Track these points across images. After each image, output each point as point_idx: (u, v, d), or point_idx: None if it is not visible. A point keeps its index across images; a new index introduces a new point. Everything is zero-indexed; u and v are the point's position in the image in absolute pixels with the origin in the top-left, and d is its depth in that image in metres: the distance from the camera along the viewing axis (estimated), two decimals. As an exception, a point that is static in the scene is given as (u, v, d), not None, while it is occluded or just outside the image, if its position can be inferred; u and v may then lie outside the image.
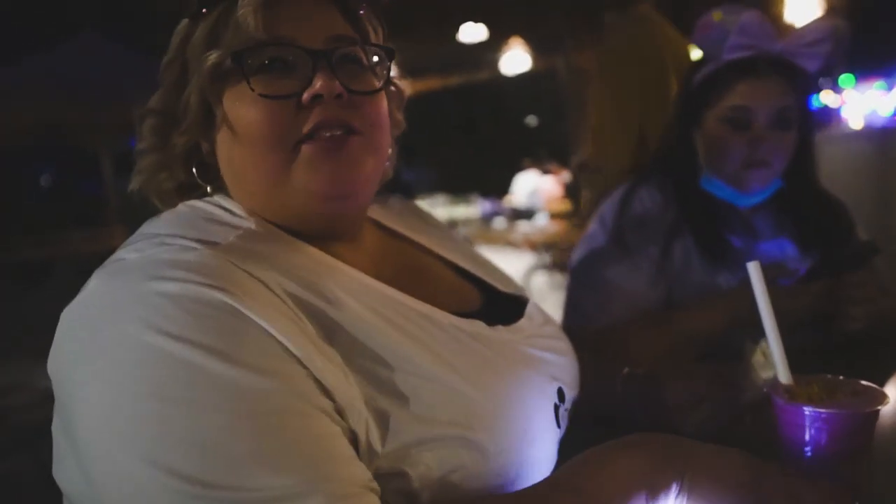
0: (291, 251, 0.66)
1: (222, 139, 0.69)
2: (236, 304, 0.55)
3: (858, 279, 1.18)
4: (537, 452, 0.70)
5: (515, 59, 6.52)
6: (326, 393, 0.57)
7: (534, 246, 6.01)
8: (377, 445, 0.58)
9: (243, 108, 0.66)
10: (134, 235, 0.66)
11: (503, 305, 0.82)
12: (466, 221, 7.80)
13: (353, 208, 0.72)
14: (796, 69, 1.23)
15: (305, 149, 0.65)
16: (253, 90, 0.64)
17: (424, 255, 0.85)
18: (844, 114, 10.27)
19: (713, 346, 1.16)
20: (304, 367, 0.56)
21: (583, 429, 0.80)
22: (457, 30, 5.92)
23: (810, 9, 5.46)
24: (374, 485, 0.56)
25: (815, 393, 0.62)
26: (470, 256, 0.90)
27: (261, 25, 0.64)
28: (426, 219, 0.94)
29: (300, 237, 0.69)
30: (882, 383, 1.06)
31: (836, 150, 4.46)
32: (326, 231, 0.71)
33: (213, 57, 0.65)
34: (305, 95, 0.65)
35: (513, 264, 5.19)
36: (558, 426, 0.74)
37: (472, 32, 5.81)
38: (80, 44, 6.90)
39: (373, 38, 0.74)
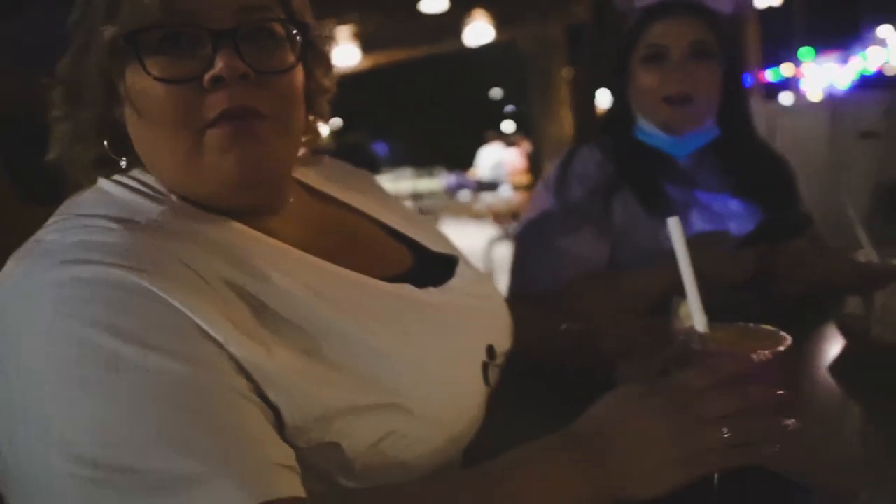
0: (215, 228, 0.65)
1: (129, 116, 0.66)
2: (153, 287, 0.55)
3: (796, 245, 1.22)
4: (465, 412, 0.72)
5: (479, 31, 6.48)
6: (244, 373, 0.56)
7: (498, 217, 6.05)
8: (306, 417, 0.58)
9: (143, 90, 0.62)
10: (55, 214, 0.64)
11: (435, 264, 0.83)
12: (430, 194, 7.82)
13: (267, 194, 0.70)
14: (709, 10, 1.29)
15: (211, 134, 0.62)
16: (149, 73, 0.61)
17: (355, 217, 0.85)
18: (803, 86, 10.46)
19: (657, 304, 1.20)
20: (222, 348, 0.56)
21: (517, 382, 0.83)
22: (418, 1, 5.86)
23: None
24: (292, 463, 0.56)
25: (726, 339, 0.66)
26: (402, 216, 0.90)
27: (163, 2, 0.60)
28: (358, 179, 0.93)
29: (223, 213, 0.67)
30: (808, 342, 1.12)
31: (791, 119, 4.59)
32: (248, 207, 0.69)
33: (108, 32, 0.61)
34: (206, 78, 0.61)
35: (476, 236, 5.23)
36: (487, 383, 0.76)
37: (434, 4, 5.75)
38: (37, 12, 6.66)
39: (296, 4, 0.70)
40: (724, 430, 0.57)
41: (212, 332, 0.56)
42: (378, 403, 0.62)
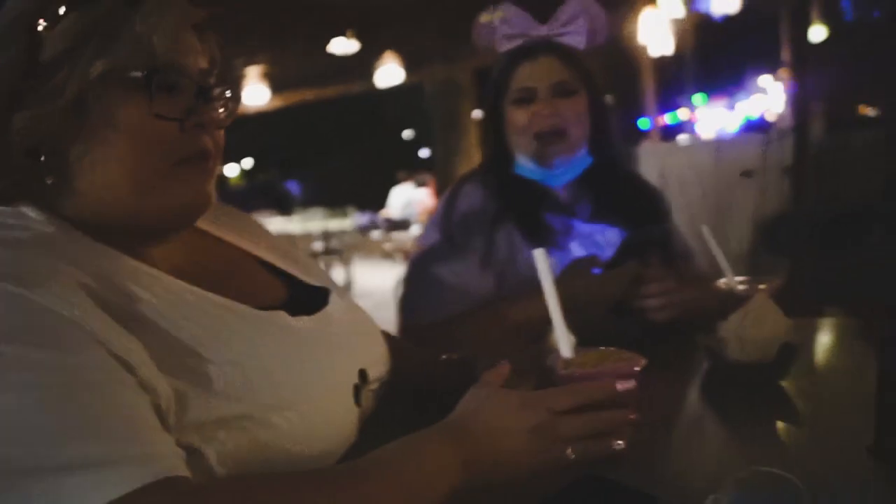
0: (91, 251, 0.68)
1: (95, 139, 0.68)
2: (29, 294, 0.57)
3: (656, 271, 1.30)
4: (336, 430, 0.75)
5: (389, 73, 6.60)
6: (129, 369, 0.59)
7: (408, 256, 6.08)
8: (173, 422, 0.61)
9: (134, 118, 0.68)
10: None
11: (310, 297, 0.88)
12: (341, 233, 7.79)
13: (191, 224, 0.80)
14: (566, 48, 1.40)
15: (180, 170, 0.72)
16: (152, 108, 0.68)
17: (231, 252, 0.89)
18: (698, 129, 11.15)
19: (541, 332, 1.24)
20: (106, 346, 0.58)
21: (395, 409, 0.87)
22: (328, 42, 5.92)
23: (663, 39, 5.92)
24: (181, 451, 0.59)
25: (587, 363, 0.72)
26: (280, 252, 0.95)
27: (164, 49, 0.69)
28: (235, 218, 0.97)
29: (108, 242, 0.71)
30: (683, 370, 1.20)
31: (681, 158, 4.91)
32: (146, 236, 0.75)
33: (106, 63, 0.67)
34: (192, 122, 0.71)
35: (387, 274, 5.24)
36: (358, 404, 0.79)
37: (344, 45, 5.83)
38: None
39: (221, 69, 0.79)
40: (575, 422, 0.66)
41: (94, 332, 0.59)
42: (245, 415, 0.65)
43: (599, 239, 1.41)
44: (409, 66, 6.79)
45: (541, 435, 0.65)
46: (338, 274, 7.58)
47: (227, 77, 0.80)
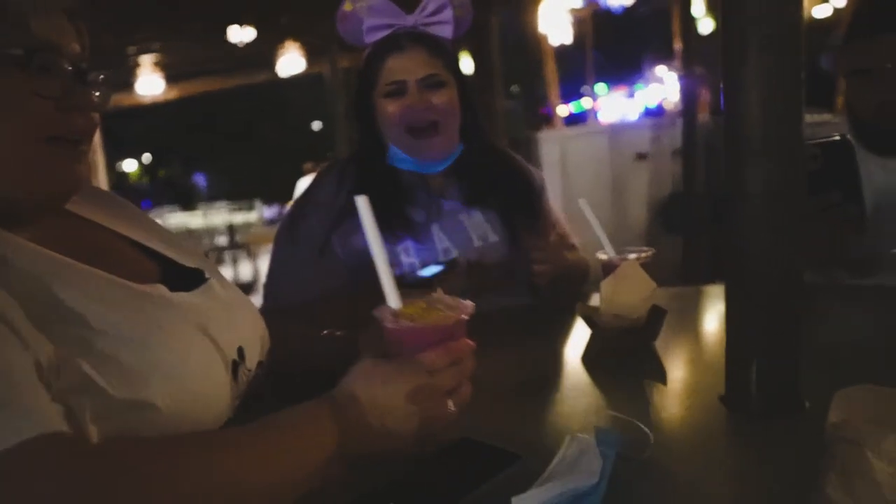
0: None
1: None
2: None
3: (537, 241, 1.36)
4: (212, 406, 0.76)
5: (290, 62, 6.47)
6: (10, 327, 0.60)
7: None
8: (53, 382, 0.61)
9: (9, 97, 0.69)
10: None
11: (186, 278, 0.88)
12: (245, 226, 7.60)
13: (64, 204, 0.80)
14: (434, 38, 1.40)
15: (53, 150, 0.72)
16: (29, 86, 0.70)
17: (103, 234, 0.89)
18: (600, 117, 11.55)
19: None
20: None
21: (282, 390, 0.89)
22: (225, 31, 5.74)
23: (563, 29, 6.09)
24: (61, 409, 0.59)
25: (415, 314, 0.72)
26: (156, 236, 0.94)
27: (44, 30, 0.71)
28: (108, 201, 0.96)
29: None
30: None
31: (578, 143, 5.09)
32: (18, 215, 0.74)
33: None
34: (67, 103, 0.72)
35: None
36: (235, 381, 0.80)
37: (240, 33, 5.66)
38: None
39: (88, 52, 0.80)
40: (449, 375, 0.69)
41: None
42: (124, 383, 0.66)
43: (467, 221, 1.44)
44: (311, 55, 6.67)
45: (422, 395, 0.67)
46: (245, 268, 7.41)
47: (97, 63, 0.80)
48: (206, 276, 0.89)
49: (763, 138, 0.75)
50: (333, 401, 0.68)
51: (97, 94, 0.78)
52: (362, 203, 0.75)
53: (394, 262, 1.35)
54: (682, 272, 4.35)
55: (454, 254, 1.40)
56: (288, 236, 1.40)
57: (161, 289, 0.79)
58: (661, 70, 12.31)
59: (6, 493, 0.52)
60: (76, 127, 0.74)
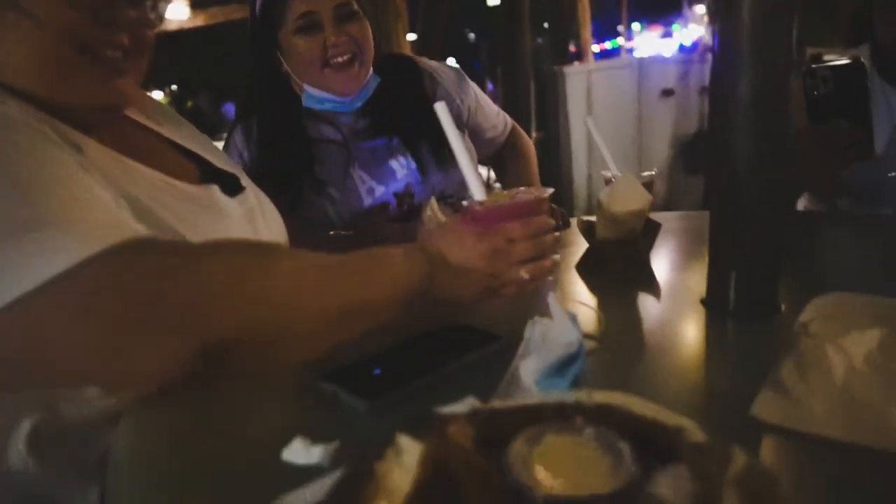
0: (43, 121, 0.71)
1: (5, 22, 0.70)
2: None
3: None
4: None
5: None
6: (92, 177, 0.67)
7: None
8: None
9: (44, 3, 0.70)
10: None
11: (222, 181, 0.92)
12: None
13: (108, 118, 0.82)
14: None
15: (91, 62, 0.73)
16: None
17: (150, 136, 0.93)
18: (636, 55, 11.29)
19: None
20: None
21: None
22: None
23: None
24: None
25: (500, 199, 0.81)
26: (194, 139, 0.99)
27: None
28: (152, 106, 1.00)
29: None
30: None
31: (604, 77, 4.99)
32: (80, 119, 0.77)
33: None
34: (107, 16, 0.73)
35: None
36: None
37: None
38: None
39: None
40: (526, 246, 0.77)
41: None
42: None
43: (385, 155, 1.42)
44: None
45: (499, 258, 0.75)
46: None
47: None
48: (242, 182, 0.94)
49: (752, 40, 0.77)
50: (419, 246, 0.76)
51: (150, 10, 0.78)
52: (441, 108, 0.80)
53: (320, 210, 1.35)
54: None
55: (381, 190, 1.38)
56: None
57: (216, 191, 0.85)
58: (701, 9, 11.90)
59: (104, 288, 0.57)
60: (114, 41, 0.75)
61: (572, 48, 6.94)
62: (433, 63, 1.55)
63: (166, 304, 0.58)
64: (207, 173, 0.92)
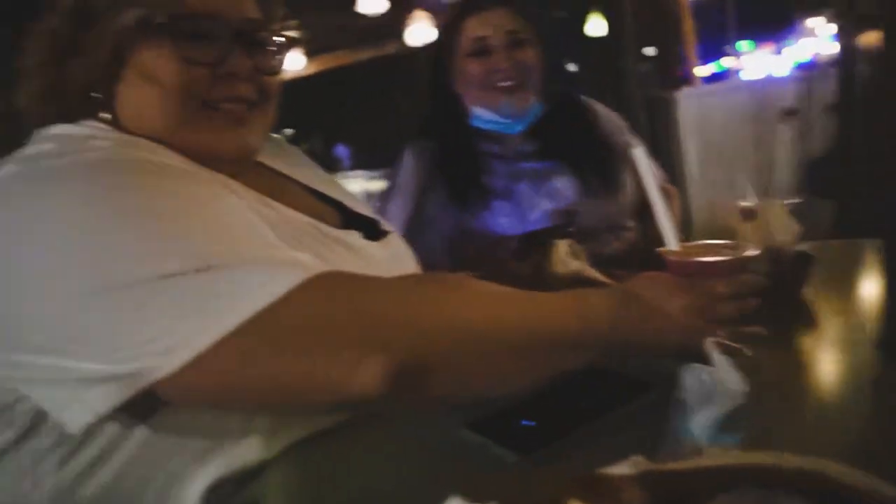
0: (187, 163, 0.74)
1: (130, 83, 0.74)
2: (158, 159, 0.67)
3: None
4: None
5: (419, 31, 6.55)
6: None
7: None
8: None
9: (161, 65, 0.72)
10: (24, 151, 0.69)
11: (363, 227, 0.92)
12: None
13: (243, 166, 0.82)
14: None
15: (216, 116, 0.75)
16: (179, 53, 0.72)
17: (289, 182, 0.94)
18: (744, 76, 10.83)
19: None
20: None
21: None
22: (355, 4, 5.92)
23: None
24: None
25: (696, 252, 0.78)
26: (330, 184, 0.99)
27: None
28: (287, 151, 1.02)
29: None
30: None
31: (718, 100, 4.78)
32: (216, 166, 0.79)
33: (136, 13, 0.71)
34: (224, 69, 0.74)
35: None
36: None
37: (373, 4, 5.81)
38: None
39: (277, 20, 0.83)
40: (730, 307, 0.72)
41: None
42: None
43: (549, 179, 1.44)
44: (439, 24, 6.72)
45: (697, 313, 0.70)
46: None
47: (284, 27, 0.82)
48: (384, 227, 0.94)
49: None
50: (619, 291, 0.73)
51: (271, 57, 0.79)
52: (640, 153, 0.80)
53: (487, 225, 1.39)
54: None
55: (545, 206, 1.40)
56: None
57: (357, 236, 0.83)
58: (814, 22, 11.30)
59: (304, 317, 0.58)
60: (235, 93, 0.76)
61: (678, 72, 6.75)
62: (593, 101, 1.62)
63: (365, 328, 0.59)
64: (348, 218, 0.92)
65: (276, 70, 0.80)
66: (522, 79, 1.41)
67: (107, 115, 0.75)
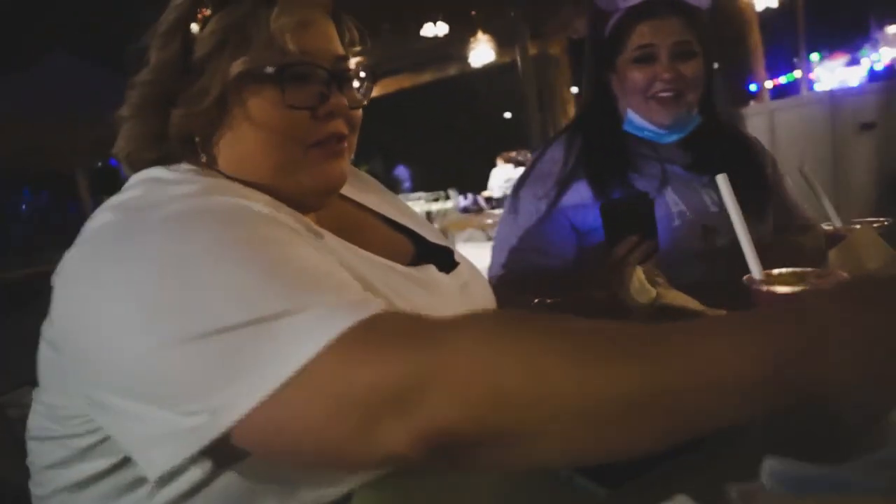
0: (288, 213, 0.74)
1: (231, 127, 0.75)
2: (245, 203, 0.67)
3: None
4: None
5: (481, 53, 6.62)
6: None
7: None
8: None
9: (265, 110, 0.74)
10: (121, 197, 0.70)
11: (434, 256, 0.92)
12: (442, 214, 7.94)
13: (331, 199, 0.84)
14: (688, 7, 1.35)
15: (314, 153, 0.77)
16: (283, 99, 0.73)
17: (362, 212, 0.95)
18: (816, 88, 10.48)
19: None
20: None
21: None
22: (420, 28, 6.02)
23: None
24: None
25: (786, 281, 0.75)
26: (401, 211, 0.99)
27: (295, 43, 0.73)
28: (361, 179, 1.02)
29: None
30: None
31: (791, 114, 4.61)
32: (314, 207, 0.82)
33: (243, 63, 0.73)
34: (323, 110, 0.76)
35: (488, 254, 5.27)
36: None
37: (435, 29, 5.91)
38: (50, 63, 6.92)
39: (358, 52, 0.84)
40: None
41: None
42: None
43: (703, 189, 1.41)
44: (501, 44, 6.76)
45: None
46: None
47: (365, 58, 0.84)
48: (455, 257, 0.93)
49: None
50: (794, 308, 0.50)
51: (359, 91, 0.80)
52: (723, 181, 0.80)
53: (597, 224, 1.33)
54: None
55: (690, 217, 1.37)
56: (510, 207, 1.45)
57: (432, 270, 0.83)
58: (893, 30, 10.85)
59: (367, 355, 0.53)
60: (334, 130, 0.77)
61: (745, 88, 6.57)
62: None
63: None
64: (422, 250, 0.92)
65: (364, 103, 0.82)
66: (682, 91, 1.37)
67: (203, 158, 0.77)
